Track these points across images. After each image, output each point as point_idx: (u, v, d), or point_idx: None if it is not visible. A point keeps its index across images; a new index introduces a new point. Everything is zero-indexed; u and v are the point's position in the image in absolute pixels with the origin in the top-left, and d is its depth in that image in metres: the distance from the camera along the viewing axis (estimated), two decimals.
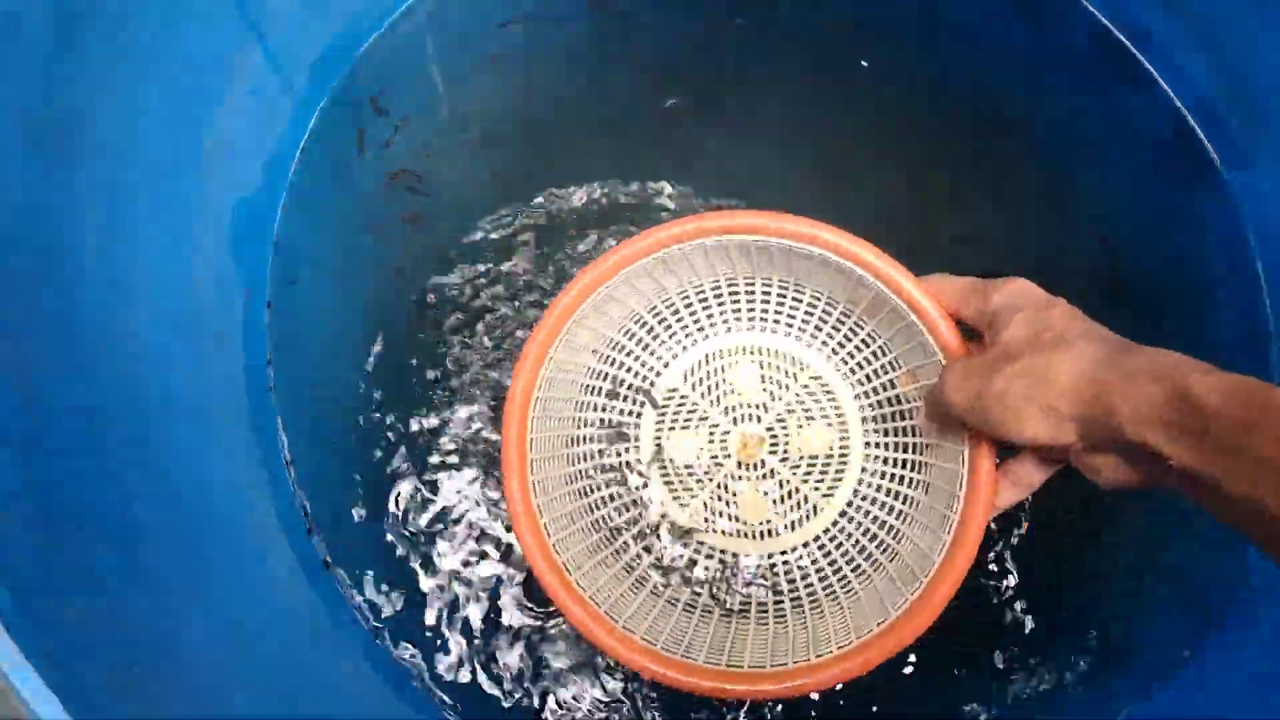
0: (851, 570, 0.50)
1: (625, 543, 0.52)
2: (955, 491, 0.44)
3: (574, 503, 0.51)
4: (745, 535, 0.52)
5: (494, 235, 0.57)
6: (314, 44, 0.55)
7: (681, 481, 0.54)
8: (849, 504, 0.51)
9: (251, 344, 0.53)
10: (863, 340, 0.51)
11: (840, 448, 0.52)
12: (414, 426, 0.55)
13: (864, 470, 0.52)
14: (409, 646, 0.53)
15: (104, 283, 0.43)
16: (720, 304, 0.53)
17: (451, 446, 0.55)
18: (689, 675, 0.44)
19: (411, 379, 0.55)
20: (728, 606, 0.51)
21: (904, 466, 0.50)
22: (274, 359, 0.54)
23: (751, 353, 0.54)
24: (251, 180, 0.53)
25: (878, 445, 0.52)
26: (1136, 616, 0.54)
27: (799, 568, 0.51)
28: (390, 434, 0.55)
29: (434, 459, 0.55)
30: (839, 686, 0.54)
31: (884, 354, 0.50)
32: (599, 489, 0.53)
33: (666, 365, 0.54)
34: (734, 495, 0.53)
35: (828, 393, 0.53)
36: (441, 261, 0.56)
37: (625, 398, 0.54)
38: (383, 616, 0.53)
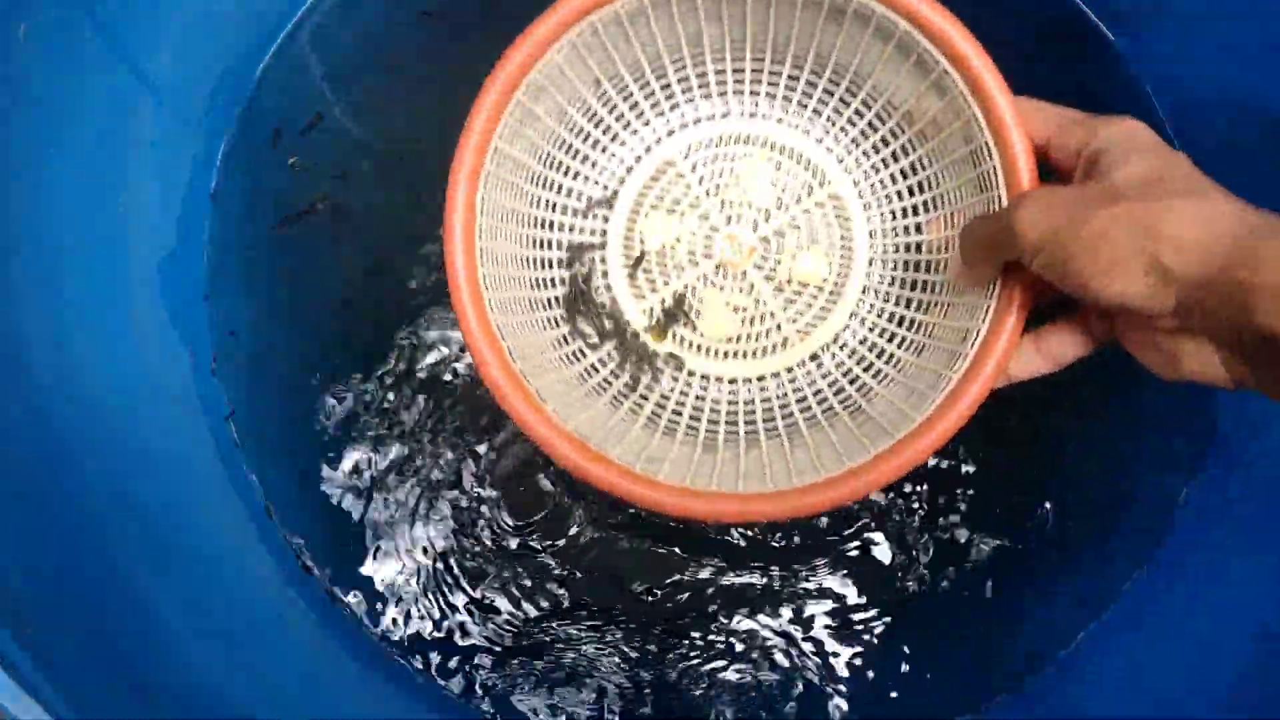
0: (803, 416, 0.43)
1: (559, 317, 0.45)
2: (964, 350, 0.37)
3: (521, 271, 0.43)
4: (697, 348, 0.45)
5: (427, 246, 0.52)
6: (204, 85, 0.51)
7: (645, 270, 0.46)
8: (824, 348, 0.45)
9: (208, 401, 0.51)
10: (904, 169, 0.43)
11: (835, 284, 0.45)
12: (387, 449, 0.52)
13: (853, 316, 0.45)
14: (410, 656, 0.51)
15: (53, 366, 0.42)
16: (757, 83, 0.45)
17: (420, 461, 0.52)
18: (605, 470, 0.37)
19: (373, 405, 0.52)
20: (655, 415, 0.44)
21: (900, 324, 0.43)
22: (234, 413, 0.52)
23: (771, 149, 0.46)
24: (168, 238, 0.50)
25: (877, 294, 0.45)
26: (1097, 513, 0.51)
27: (746, 400, 0.45)
28: (364, 462, 0.52)
29: (408, 478, 0.52)
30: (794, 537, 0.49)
31: (925, 189, 0.43)
32: (553, 245, 0.45)
33: (671, 133, 0.46)
34: (700, 301, 0.46)
35: (842, 219, 0.45)
36: (377, 283, 0.52)
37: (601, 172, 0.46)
38: (391, 639, 0.51)
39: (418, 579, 0.51)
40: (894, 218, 0.44)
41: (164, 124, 0.49)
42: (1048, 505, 0.51)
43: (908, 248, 0.44)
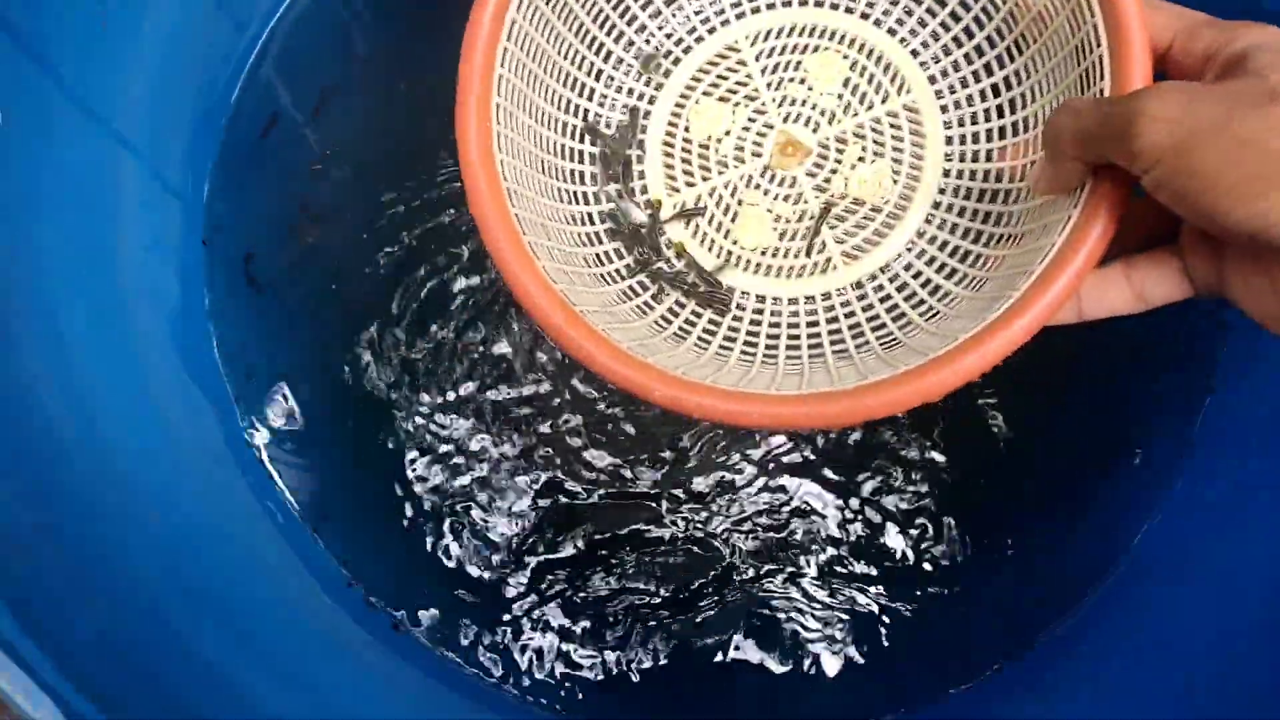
0: (832, 348, 0.37)
1: (579, 193, 0.40)
2: (1031, 268, 0.31)
3: (547, 133, 0.39)
4: (726, 255, 0.40)
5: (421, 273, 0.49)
6: (180, 133, 0.50)
7: (684, 159, 0.41)
8: (871, 276, 0.39)
9: (239, 453, 0.49)
10: (997, 84, 0.38)
11: (896, 206, 0.39)
12: (426, 467, 0.48)
13: (909, 249, 0.39)
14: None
15: (78, 442, 0.41)
16: None
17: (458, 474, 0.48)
18: (603, 352, 0.32)
19: (402, 431, 0.48)
20: (666, 319, 0.39)
21: (962, 258, 0.37)
22: (273, 465, 0.49)
23: (849, 45, 0.40)
24: (171, 293, 0.49)
25: (943, 223, 0.38)
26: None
27: (770, 322, 0.39)
28: (408, 484, 0.48)
29: (450, 498, 0.48)
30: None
31: (1016, 108, 0.37)
32: (589, 116, 0.41)
33: (741, 15, 0.41)
34: (739, 203, 0.40)
35: (915, 134, 0.39)
36: (383, 299, 0.49)
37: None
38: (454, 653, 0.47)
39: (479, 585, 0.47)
40: (974, 140, 0.38)
41: (147, 180, 0.48)
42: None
43: (985, 175, 0.38)
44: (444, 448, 0.48)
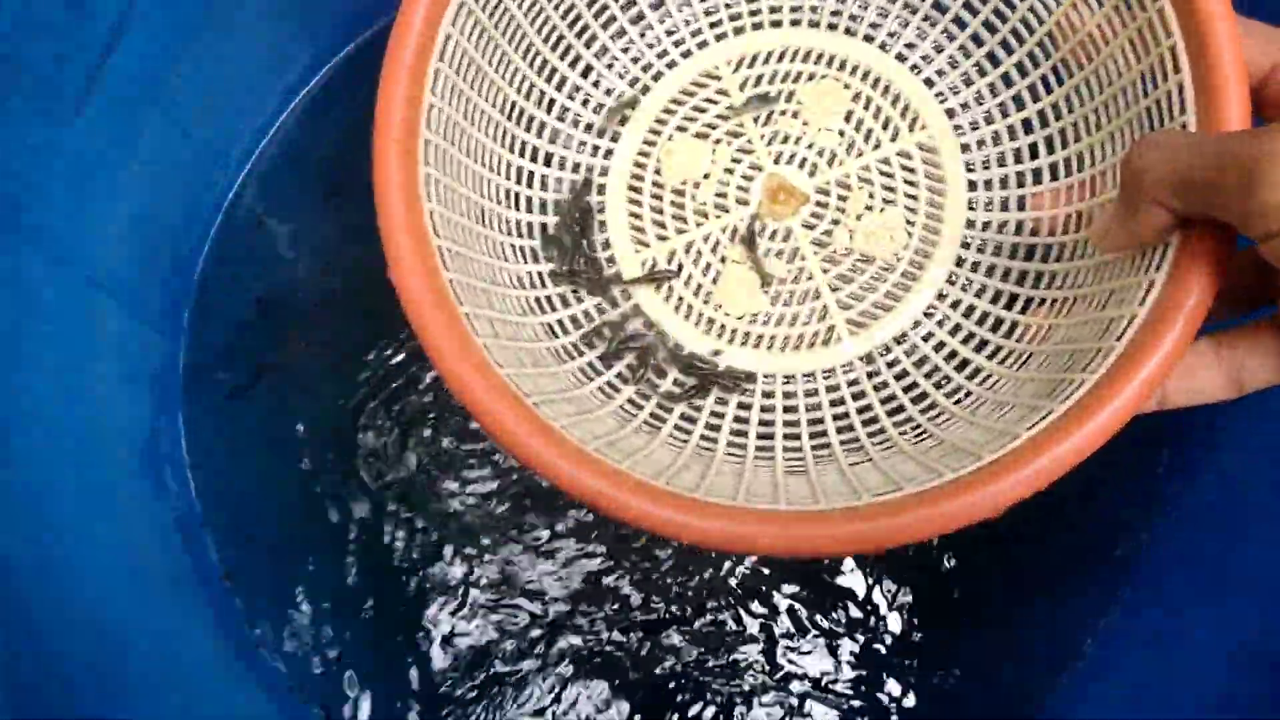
0: (840, 438, 0.30)
1: (529, 249, 0.33)
2: (1103, 346, 0.24)
3: (488, 175, 0.32)
4: (707, 323, 0.33)
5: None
6: (157, 271, 0.48)
7: (654, 209, 0.34)
8: (884, 349, 0.32)
9: (202, 572, 0.46)
10: (1031, 118, 0.32)
11: (911, 263, 0.33)
12: (393, 589, 0.44)
13: (928, 316, 0.32)
14: None
15: (41, 581, 0.38)
16: None
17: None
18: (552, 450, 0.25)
19: (370, 555, 0.45)
20: (634, 405, 0.31)
21: (995, 328, 0.31)
22: (231, 574, 0.46)
23: (851, 73, 0.34)
24: (144, 424, 0.46)
25: (968, 284, 0.32)
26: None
27: (763, 406, 0.32)
28: (363, 603, 0.44)
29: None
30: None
31: (1055, 148, 0.31)
32: (540, 158, 0.34)
33: (722, 37, 0.35)
34: (721, 261, 0.33)
35: (933, 179, 0.33)
36: (355, 432, 0.46)
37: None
38: None
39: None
40: (1003, 185, 0.32)
41: (124, 318, 0.46)
42: None
43: (1018, 227, 0.31)
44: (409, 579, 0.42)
